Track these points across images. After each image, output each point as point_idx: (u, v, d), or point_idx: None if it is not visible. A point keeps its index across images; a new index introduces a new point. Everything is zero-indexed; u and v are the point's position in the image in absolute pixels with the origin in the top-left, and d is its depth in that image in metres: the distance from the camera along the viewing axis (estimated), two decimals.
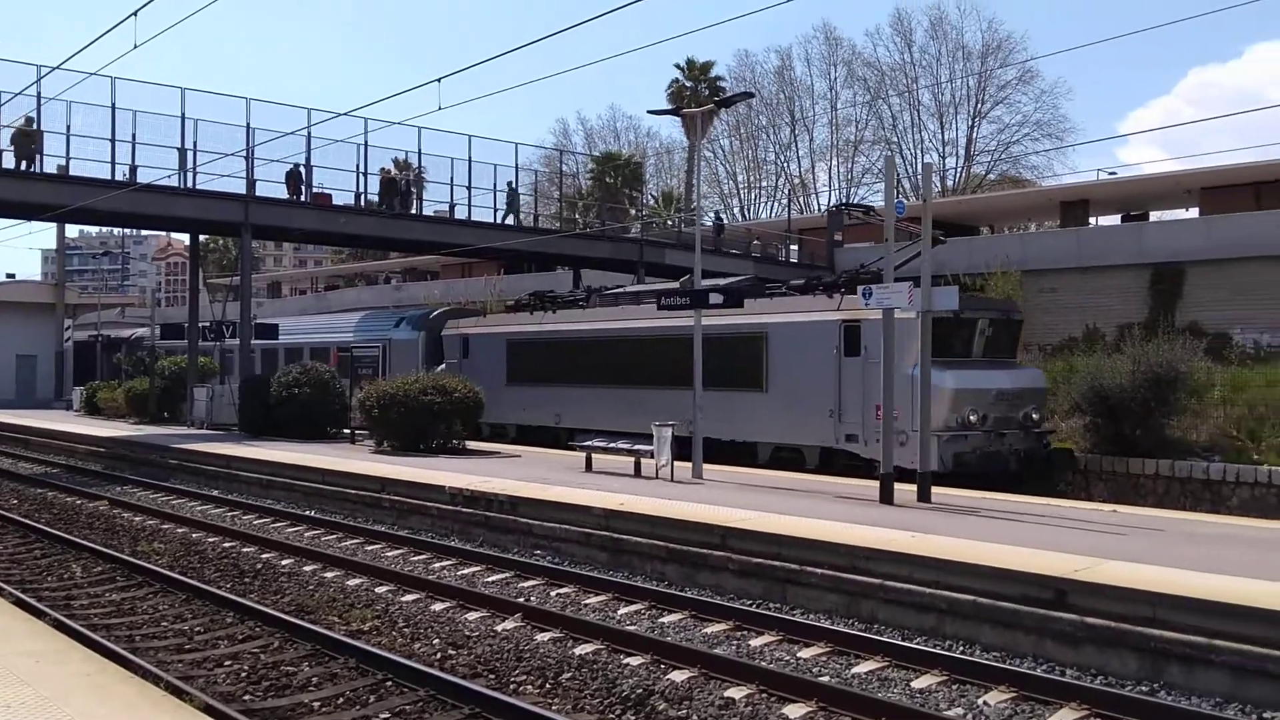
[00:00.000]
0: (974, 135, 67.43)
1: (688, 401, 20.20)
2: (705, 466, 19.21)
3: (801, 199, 71.75)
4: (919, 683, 9.07)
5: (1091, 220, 45.83)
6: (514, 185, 34.59)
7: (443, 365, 30.07)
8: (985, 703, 8.55)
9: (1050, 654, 9.59)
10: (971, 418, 19.49)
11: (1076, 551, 10.99)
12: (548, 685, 9.13)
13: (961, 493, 16.54)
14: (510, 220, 34.94)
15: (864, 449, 20.05)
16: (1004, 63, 65.16)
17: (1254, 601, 8.74)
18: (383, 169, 31.77)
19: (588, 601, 12.20)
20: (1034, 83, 65.52)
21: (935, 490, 15.78)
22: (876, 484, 15.73)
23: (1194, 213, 42.26)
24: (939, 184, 64.54)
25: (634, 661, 9.69)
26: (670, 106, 53.47)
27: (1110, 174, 51.68)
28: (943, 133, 68.09)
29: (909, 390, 18.00)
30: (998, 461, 19.67)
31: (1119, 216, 46.93)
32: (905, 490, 15.58)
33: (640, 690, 8.91)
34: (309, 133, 28.99)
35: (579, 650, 10.10)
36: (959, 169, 68.16)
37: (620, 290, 28.57)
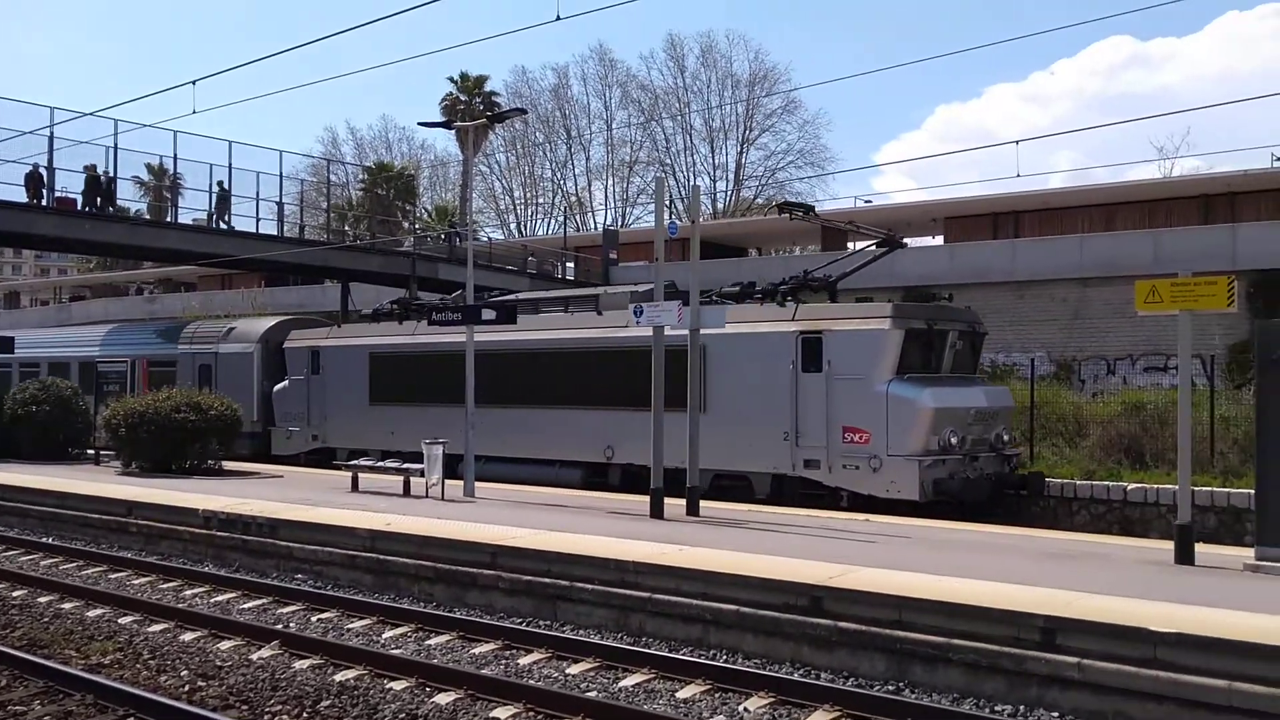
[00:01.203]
0: (743, 160, 70.05)
1: (596, 424, 19.38)
2: (481, 485, 18.99)
3: (578, 216, 72.43)
4: (684, 693, 9.22)
5: (850, 245, 48.28)
6: (226, 185, 31.44)
7: (284, 382, 27.50)
8: (745, 709, 8.78)
9: (807, 659, 9.95)
10: (952, 440, 17.45)
11: (833, 560, 11.47)
12: (305, 714, 8.74)
13: (729, 506, 16.99)
14: (222, 224, 32.49)
15: (827, 476, 17.90)
16: (769, 92, 68.04)
17: (983, 602, 9.35)
18: (87, 166, 28.60)
19: (351, 626, 11.79)
20: (797, 113, 68.88)
21: (706, 504, 16.15)
22: (681, 502, 15.81)
23: (939, 240, 45.22)
24: (710, 206, 66.57)
25: (398, 686, 9.41)
26: (443, 119, 52.87)
27: (866, 201, 54.67)
28: (714, 157, 70.38)
29: (881, 409, 17.00)
30: (978, 488, 17.64)
31: (874, 243, 49.60)
32: (710, 507, 15.87)
33: (404, 714, 8.66)
34: (51, 132, 26.94)
35: (340, 676, 9.73)
36: (729, 192, 70.59)
37: (514, 298, 25.56)
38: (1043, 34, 37.04)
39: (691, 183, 66.59)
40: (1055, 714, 8.49)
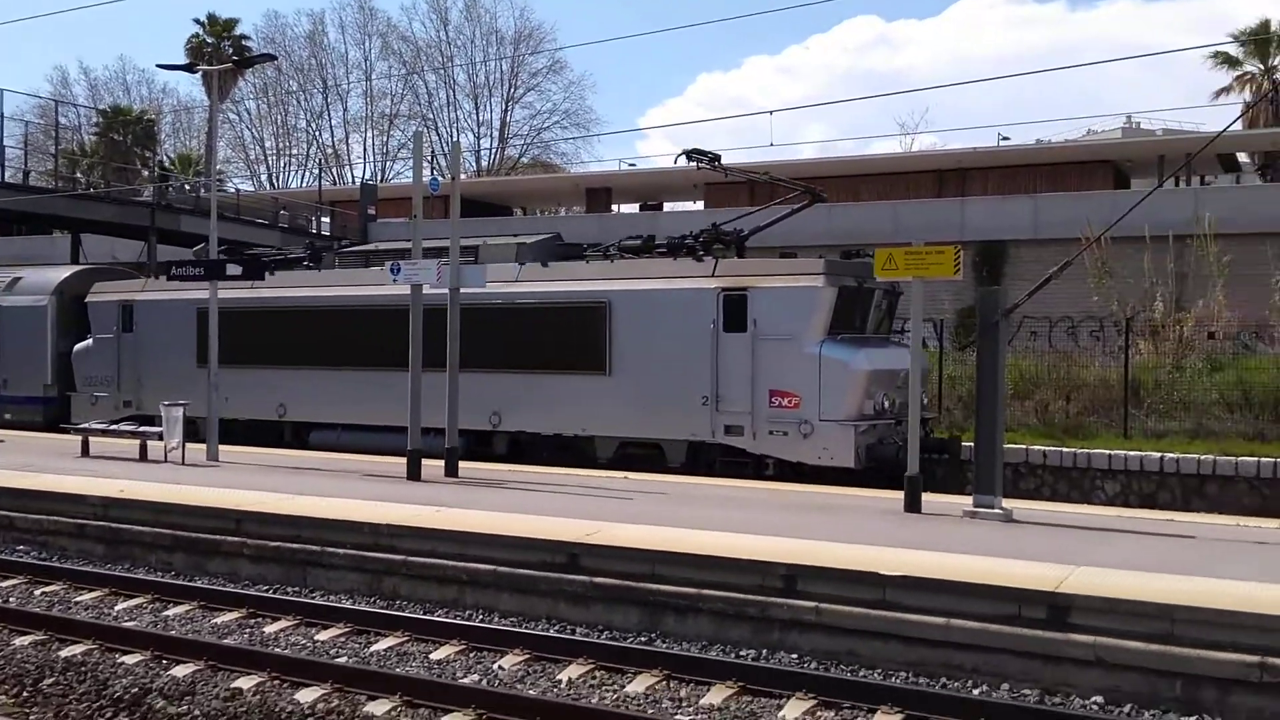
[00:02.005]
0: (508, 119, 69.35)
1: (480, 388, 17.66)
2: (228, 449, 18.11)
3: (334, 170, 69.90)
4: (438, 654, 9.15)
5: (614, 208, 48.86)
6: None
7: (87, 341, 24.15)
8: (500, 666, 8.80)
9: (564, 615, 10.05)
10: (885, 404, 16.63)
11: (591, 517, 11.62)
12: (25, 693, 8.13)
13: (490, 467, 16.92)
14: None
15: (752, 443, 16.73)
16: (534, 50, 67.60)
17: (731, 553, 9.73)
18: None
19: (79, 599, 11.03)
20: (563, 73, 68.70)
21: (467, 465, 16.01)
22: (441, 463, 15.46)
23: (700, 205, 46.35)
24: (474, 164, 65.72)
25: (130, 660, 8.88)
26: (187, 62, 49.68)
27: (631, 165, 55.47)
28: (478, 114, 69.33)
29: (813, 372, 16.04)
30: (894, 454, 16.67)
31: (638, 205, 50.41)
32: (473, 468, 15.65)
33: (136, 689, 8.19)
34: None
35: (66, 652, 9.09)
36: (494, 150, 69.81)
37: (366, 248, 23.15)
38: (797, 8, 38.41)
39: (454, 139, 65.53)
40: (794, 655, 8.94)
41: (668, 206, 50.32)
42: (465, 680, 8.53)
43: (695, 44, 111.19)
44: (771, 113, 18.02)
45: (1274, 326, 22.40)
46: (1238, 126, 36.56)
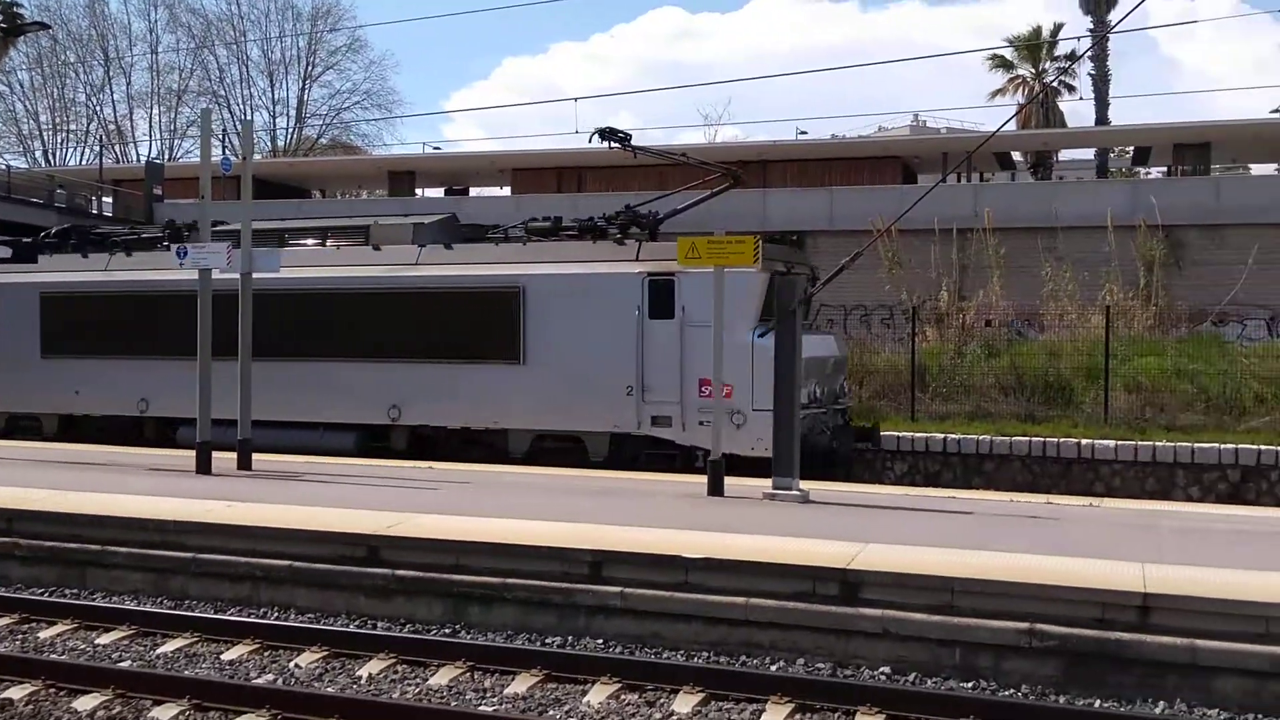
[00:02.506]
0: (305, 97, 66.90)
1: (378, 379, 16.73)
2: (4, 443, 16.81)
3: (118, 147, 65.84)
4: (230, 654, 8.77)
5: (418, 192, 47.90)
6: None
7: None
8: (298, 664, 8.51)
9: (365, 609, 9.80)
10: (817, 392, 16.44)
11: (393, 508, 11.37)
12: None
13: (284, 459, 16.30)
14: None
15: (681, 434, 16.13)
16: (333, 27, 65.50)
17: (536, 541, 9.72)
18: None
19: None
20: (364, 52, 66.88)
21: (262, 458, 15.37)
22: (232, 456, 14.65)
23: (507, 191, 46.03)
24: (269, 144, 63.16)
25: None
26: None
27: (435, 149, 54.52)
28: (273, 91, 66.58)
29: (747, 360, 15.53)
30: (844, 443, 17.07)
31: (442, 190, 49.60)
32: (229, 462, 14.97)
33: None
34: None
35: None
36: (290, 130, 67.25)
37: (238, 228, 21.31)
38: None
39: (248, 117, 62.74)
40: (600, 641, 9.01)
41: (473, 192, 49.74)
42: (259, 680, 8.22)
43: (501, 27, 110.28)
44: (576, 100, 17.80)
45: (1044, 315, 24.04)
46: (1012, 127, 38.93)
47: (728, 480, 12.94)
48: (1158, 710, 7.53)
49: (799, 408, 12.75)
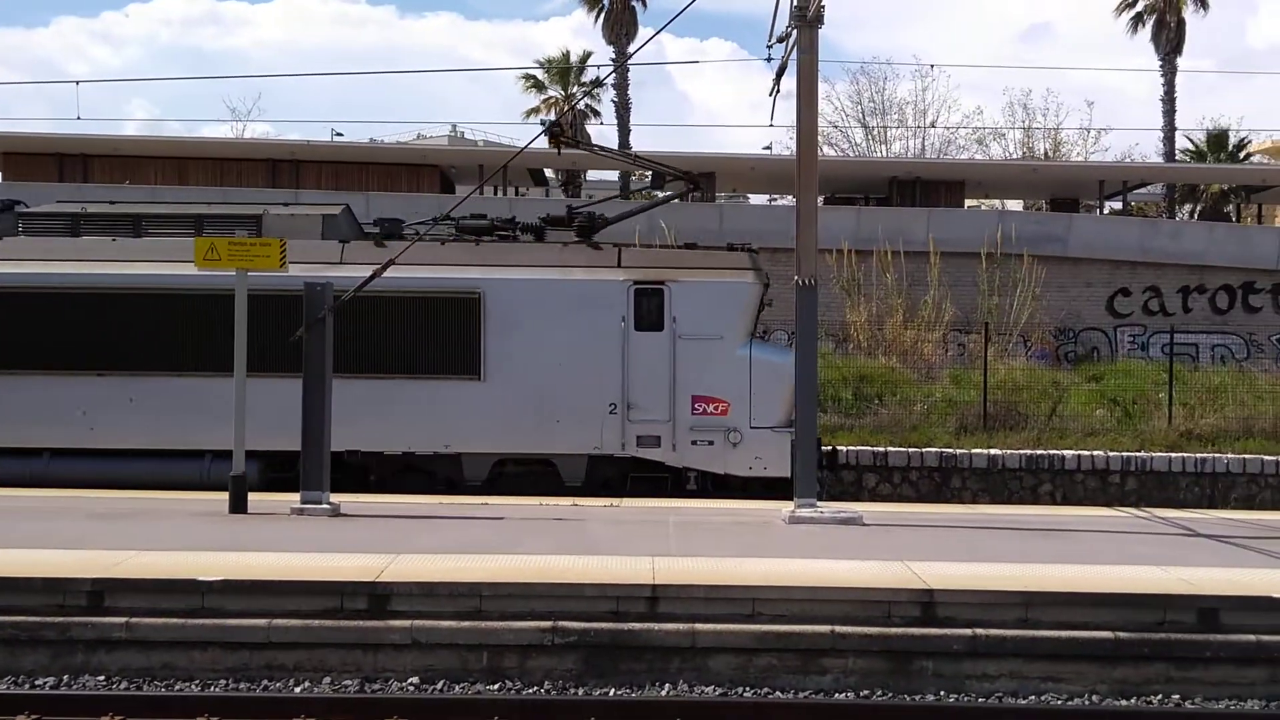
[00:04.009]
0: None
1: (287, 398, 12.91)
2: None
3: None
4: None
5: None
6: None
7: None
8: None
9: None
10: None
11: None
12: None
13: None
14: None
15: (671, 455, 14.81)
16: None
17: (24, 572, 8.68)
18: None
19: None
20: None
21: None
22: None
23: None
24: None
25: None
26: None
27: None
28: None
29: (744, 375, 14.52)
30: (820, 460, 15.14)
31: None
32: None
33: None
34: None
35: None
36: None
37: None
38: None
39: None
40: (102, 677, 8.21)
41: None
42: None
43: None
44: (79, 83, 15.98)
45: None
46: (542, 144, 40.72)
47: (255, 497, 12.32)
48: (663, 692, 8.18)
49: (328, 420, 12.39)
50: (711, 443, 14.88)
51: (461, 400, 14.84)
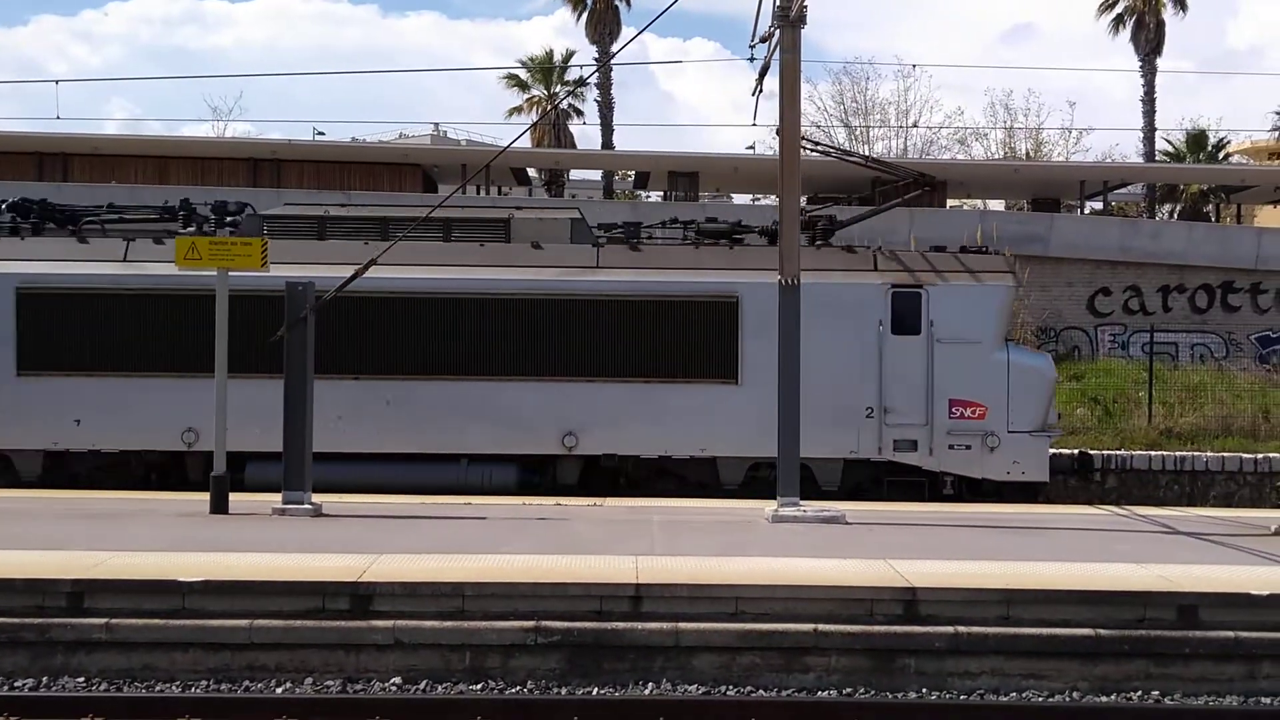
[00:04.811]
0: None
1: (546, 401, 14.27)
2: None
3: None
4: None
5: None
6: None
7: None
8: None
9: None
10: (1055, 415, 15.79)
11: None
12: None
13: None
14: None
15: (928, 459, 14.87)
16: None
17: (9, 573, 8.62)
18: None
19: None
20: None
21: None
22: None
23: None
24: None
25: None
26: None
27: None
28: None
29: (1001, 379, 14.77)
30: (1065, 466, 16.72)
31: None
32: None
33: None
34: None
35: None
36: None
37: (302, 210, 16.25)
38: None
39: None
40: (82, 679, 8.16)
41: None
42: None
43: None
44: (58, 82, 15.94)
45: None
46: (526, 144, 40.66)
47: (236, 497, 12.27)
48: (646, 691, 8.18)
49: (310, 422, 12.32)
50: (969, 447, 14.95)
51: (718, 404, 14.98)
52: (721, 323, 14.97)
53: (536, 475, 15.04)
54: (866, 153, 47.73)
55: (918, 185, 16.67)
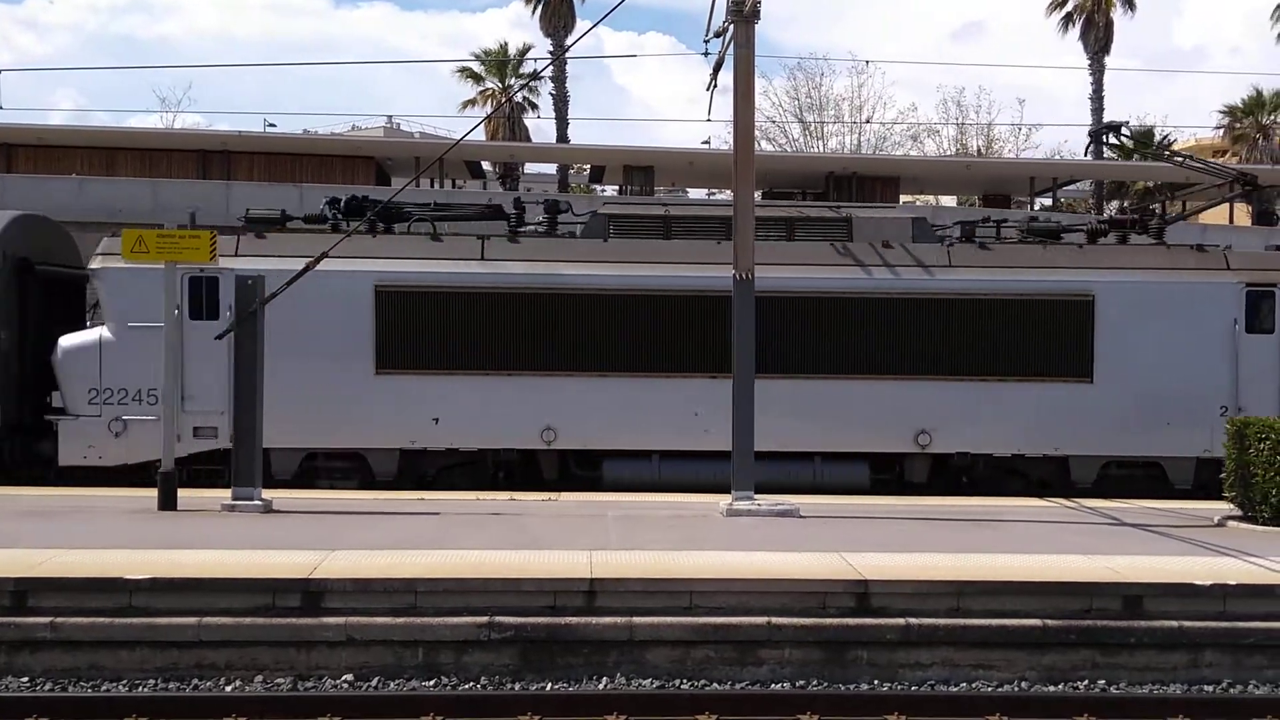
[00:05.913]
0: None
1: (899, 399, 14.61)
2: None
3: None
4: None
5: None
6: None
7: (100, 332, 14.67)
8: None
9: None
10: None
11: None
12: None
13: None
14: None
15: None
16: None
17: None
18: None
19: None
20: None
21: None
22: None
23: None
24: None
25: None
26: None
27: None
28: None
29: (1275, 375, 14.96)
30: None
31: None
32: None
33: None
34: None
35: None
36: None
37: (676, 208, 16.51)
38: None
39: None
40: (26, 679, 8.01)
41: None
42: None
43: None
44: (1, 72, 15.60)
45: None
46: (480, 137, 40.42)
47: (185, 494, 12.09)
48: (600, 686, 8.17)
49: (261, 418, 12.18)
50: None
51: (1071, 402, 15.10)
52: (1075, 321, 15.17)
53: (887, 473, 15.32)
54: (819, 149, 48.16)
55: (1239, 184, 16.73)
